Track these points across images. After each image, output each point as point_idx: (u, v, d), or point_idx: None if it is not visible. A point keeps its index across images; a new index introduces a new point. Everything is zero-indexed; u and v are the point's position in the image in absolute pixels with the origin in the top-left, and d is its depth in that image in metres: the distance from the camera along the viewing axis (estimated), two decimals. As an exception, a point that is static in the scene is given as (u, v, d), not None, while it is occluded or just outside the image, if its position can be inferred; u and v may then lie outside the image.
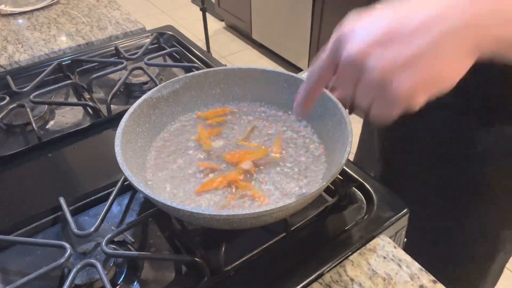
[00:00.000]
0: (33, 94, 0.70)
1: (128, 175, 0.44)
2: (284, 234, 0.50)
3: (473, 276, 0.75)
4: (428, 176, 0.66)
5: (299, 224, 0.51)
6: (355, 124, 0.50)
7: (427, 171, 0.66)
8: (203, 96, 0.61)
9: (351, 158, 0.59)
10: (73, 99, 0.78)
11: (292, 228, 0.50)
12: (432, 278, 0.46)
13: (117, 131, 0.50)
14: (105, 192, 0.56)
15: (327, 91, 0.53)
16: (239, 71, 0.60)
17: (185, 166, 0.54)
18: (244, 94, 0.62)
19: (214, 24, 3.01)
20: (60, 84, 0.74)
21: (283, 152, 0.55)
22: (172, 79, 0.58)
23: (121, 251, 0.48)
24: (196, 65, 0.82)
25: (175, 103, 0.59)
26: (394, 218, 0.52)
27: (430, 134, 0.63)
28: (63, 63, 0.83)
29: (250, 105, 0.62)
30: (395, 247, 0.49)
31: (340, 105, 0.50)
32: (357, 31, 0.33)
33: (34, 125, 0.66)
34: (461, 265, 0.72)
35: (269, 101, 0.61)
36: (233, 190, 0.50)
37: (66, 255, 0.44)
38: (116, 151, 0.47)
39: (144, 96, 0.55)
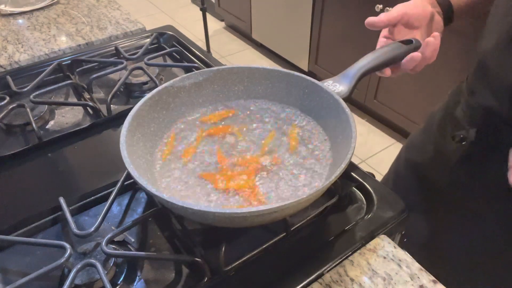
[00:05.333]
0: (33, 94, 0.70)
1: (122, 149, 0.45)
2: (284, 234, 0.50)
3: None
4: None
5: (299, 224, 0.51)
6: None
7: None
8: (225, 91, 0.62)
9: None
10: (73, 99, 0.78)
11: (292, 228, 0.50)
12: (432, 278, 0.46)
13: (129, 113, 0.50)
14: (105, 192, 0.56)
15: (337, 96, 0.52)
16: (264, 71, 0.61)
17: (196, 156, 0.54)
18: (266, 94, 0.62)
19: (214, 24, 3.01)
20: (60, 84, 0.74)
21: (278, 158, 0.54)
22: (196, 71, 0.59)
23: (121, 251, 0.48)
24: (196, 65, 0.82)
25: (197, 95, 0.60)
26: (394, 218, 0.52)
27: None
28: (63, 63, 0.83)
29: (266, 103, 0.62)
30: (395, 247, 0.49)
31: (352, 119, 0.50)
32: None
33: (34, 125, 0.66)
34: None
35: (288, 103, 0.61)
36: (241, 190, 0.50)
37: (66, 255, 0.44)
38: (122, 133, 0.47)
39: (165, 84, 0.56)
